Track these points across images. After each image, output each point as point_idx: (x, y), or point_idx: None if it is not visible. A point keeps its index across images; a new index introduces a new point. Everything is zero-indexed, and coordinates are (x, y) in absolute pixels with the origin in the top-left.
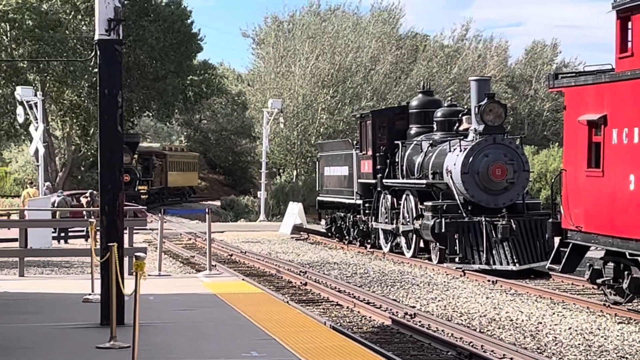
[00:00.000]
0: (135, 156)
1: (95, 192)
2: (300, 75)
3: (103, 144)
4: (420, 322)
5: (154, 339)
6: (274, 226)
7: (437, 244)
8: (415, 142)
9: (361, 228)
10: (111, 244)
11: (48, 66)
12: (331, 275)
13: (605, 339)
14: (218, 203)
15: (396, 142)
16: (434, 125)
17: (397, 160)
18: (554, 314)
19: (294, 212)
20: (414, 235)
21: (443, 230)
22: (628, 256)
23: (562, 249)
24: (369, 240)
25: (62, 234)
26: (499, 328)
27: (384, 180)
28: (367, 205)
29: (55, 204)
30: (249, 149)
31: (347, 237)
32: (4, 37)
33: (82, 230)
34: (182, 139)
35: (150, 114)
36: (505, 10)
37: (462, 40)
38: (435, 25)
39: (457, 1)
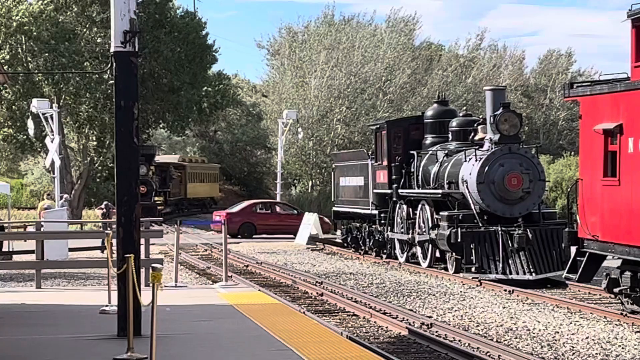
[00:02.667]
0: (152, 168)
1: (110, 203)
2: (315, 86)
3: (119, 155)
4: (437, 332)
5: (171, 350)
6: (290, 237)
7: (453, 253)
8: (430, 152)
9: (377, 238)
10: (128, 255)
11: (63, 78)
12: (347, 285)
13: (622, 348)
14: None
15: (411, 152)
16: (450, 135)
17: (412, 170)
18: (571, 323)
19: (310, 222)
20: (430, 245)
21: (459, 240)
22: None
23: (578, 258)
24: (384, 251)
25: None
26: (515, 338)
27: (400, 190)
28: (382, 215)
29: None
30: (264, 159)
31: (362, 248)
32: (20, 49)
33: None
34: (196, 150)
35: (165, 126)
36: (521, 19)
37: (477, 50)
38: (452, 35)
39: (473, 11)
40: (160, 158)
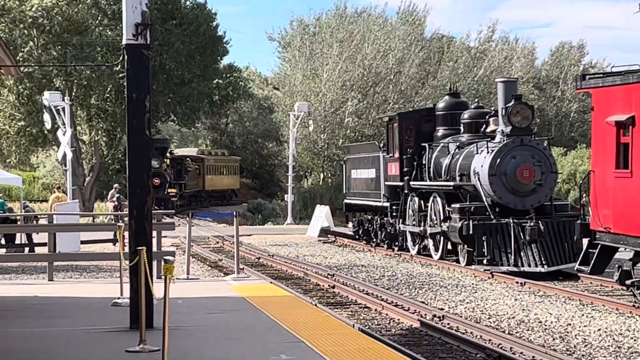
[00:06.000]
0: (167, 160)
1: (121, 195)
2: (327, 78)
3: (131, 148)
4: (448, 324)
5: (183, 342)
6: (301, 229)
7: (465, 246)
8: (442, 144)
9: (388, 230)
10: (140, 247)
11: (75, 71)
12: (359, 277)
13: (634, 340)
14: (245, 206)
15: (423, 144)
16: (461, 127)
17: (424, 162)
18: (583, 315)
19: (321, 215)
20: (442, 238)
21: (471, 232)
22: None
23: (590, 250)
24: (396, 243)
25: None
26: (527, 330)
27: (411, 183)
28: (394, 207)
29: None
30: (275, 152)
31: (374, 240)
32: (32, 43)
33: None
34: (208, 143)
35: (176, 119)
36: (535, 11)
37: (489, 41)
38: (463, 27)
39: (485, 3)
40: (178, 151)
